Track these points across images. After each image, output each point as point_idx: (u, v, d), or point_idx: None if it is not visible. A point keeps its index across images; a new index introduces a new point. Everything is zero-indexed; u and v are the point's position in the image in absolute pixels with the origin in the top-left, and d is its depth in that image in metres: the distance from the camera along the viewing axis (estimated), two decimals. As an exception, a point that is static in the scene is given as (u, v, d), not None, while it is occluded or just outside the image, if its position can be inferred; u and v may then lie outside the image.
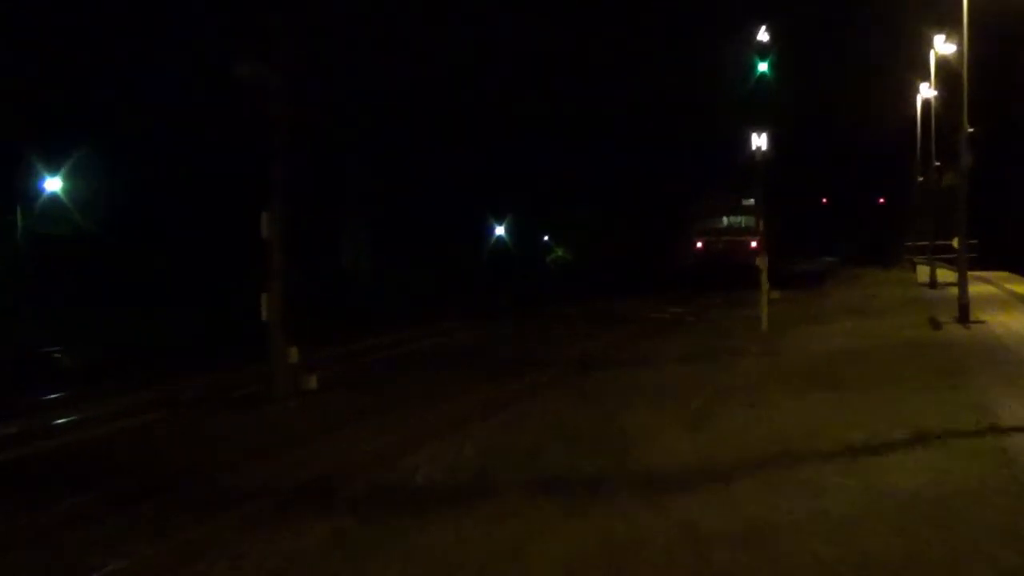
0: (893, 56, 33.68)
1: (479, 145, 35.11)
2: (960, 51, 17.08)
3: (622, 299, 25.52)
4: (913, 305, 20.05)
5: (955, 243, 18.79)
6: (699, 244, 39.12)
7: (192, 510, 6.27)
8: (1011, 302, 19.43)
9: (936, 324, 15.64)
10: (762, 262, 16.16)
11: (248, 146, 11.50)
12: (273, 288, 10.54)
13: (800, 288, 26.80)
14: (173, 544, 5.67)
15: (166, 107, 23.94)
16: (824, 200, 64.39)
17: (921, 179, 33.02)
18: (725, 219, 39.45)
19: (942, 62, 25.67)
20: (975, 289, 18.71)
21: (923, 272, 27.86)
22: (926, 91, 29.90)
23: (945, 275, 25.16)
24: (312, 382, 10.84)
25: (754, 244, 30.83)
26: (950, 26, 21.51)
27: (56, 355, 14.45)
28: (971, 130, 16.51)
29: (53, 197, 24.49)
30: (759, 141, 19.30)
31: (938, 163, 29.39)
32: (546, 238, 46.52)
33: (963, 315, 15.87)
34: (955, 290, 17.55)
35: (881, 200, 59.72)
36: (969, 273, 17.34)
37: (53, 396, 11.09)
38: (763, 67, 19.74)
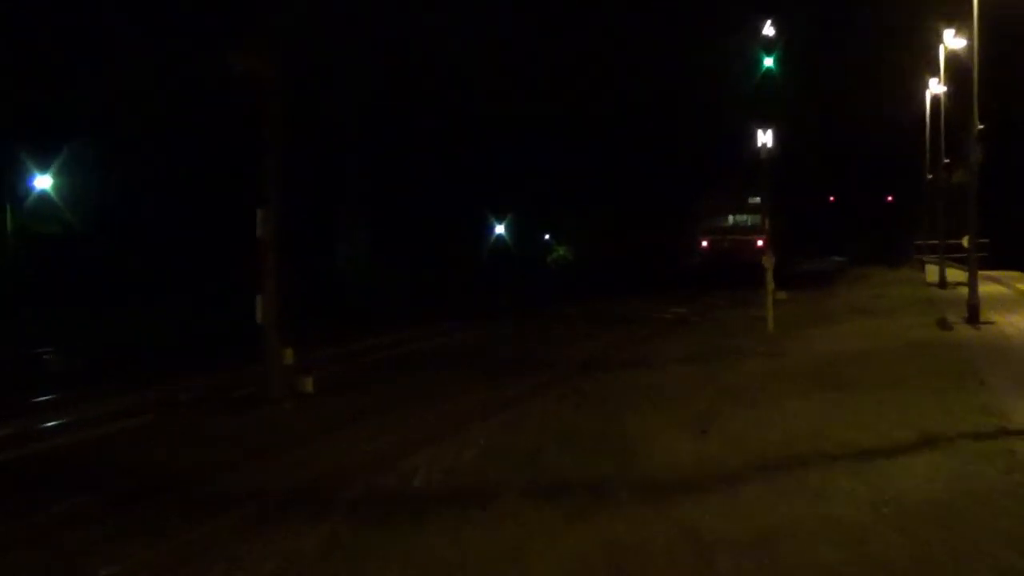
0: (902, 51, 33.69)
1: (479, 143, 35.12)
2: (970, 45, 17.08)
3: (625, 299, 25.52)
4: (922, 305, 20.04)
5: (965, 242, 18.82)
6: (704, 243, 39.17)
7: (187, 513, 6.27)
8: (1022, 302, 19.43)
9: (945, 325, 15.64)
10: (768, 261, 16.16)
11: (243, 142, 11.49)
12: (268, 288, 10.52)
13: (807, 288, 26.80)
14: (168, 547, 5.67)
15: (158, 103, 23.94)
16: (831, 198, 64.42)
17: (930, 177, 33.02)
18: (731, 217, 39.51)
19: (952, 57, 25.68)
20: (985, 289, 18.70)
21: (932, 272, 27.86)
22: (935, 87, 29.93)
23: (954, 275, 25.16)
24: (308, 384, 10.84)
25: (760, 243, 30.83)
26: (960, 20, 21.53)
27: (46, 356, 14.44)
28: (981, 126, 16.51)
29: (43, 195, 24.49)
30: (765, 138, 19.27)
31: (947, 160, 29.40)
32: (547, 237, 46.52)
33: (973, 315, 15.87)
34: (965, 290, 17.55)
35: (889, 198, 59.73)
36: (979, 273, 17.34)
37: (43, 398, 11.08)
38: (769, 62, 19.67)
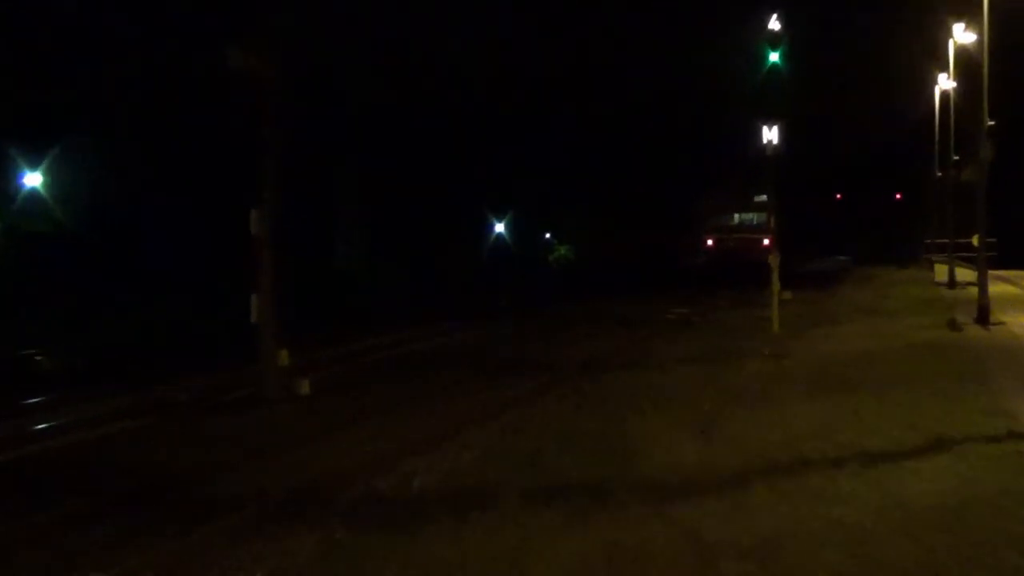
0: (910, 46, 33.69)
1: (478, 140, 35.14)
2: (980, 40, 17.09)
3: (626, 298, 25.54)
4: (930, 305, 20.06)
5: (974, 241, 18.81)
6: (709, 242, 39.21)
7: (179, 518, 6.27)
8: (1033, 303, 19.45)
9: (955, 325, 15.65)
10: (773, 260, 16.17)
11: (240, 140, 11.51)
12: (263, 287, 10.53)
13: (813, 288, 26.81)
14: (160, 554, 5.68)
15: (153, 100, 23.93)
16: (838, 196, 64.41)
17: (939, 174, 33.02)
18: (736, 216, 39.53)
19: (961, 52, 25.68)
20: (995, 289, 18.72)
21: (941, 271, 27.87)
22: (944, 82, 29.93)
23: (964, 274, 25.17)
24: (305, 386, 10.86)
25: (766, 242, 30.89)
26: (970, 14, 21.53)
27: (37, 357, 14.44)
28: (991, 123, 16.52)
29: (33, 193, 24.48)
30: (770, 134, 19.28)
31: (957, 157, 29.39)
32: (548, 236, 46.51)
33: (983, 316, 15.89)
34: (974, 290, 17.57)
35: (897, 196, 59.72)
36: (989, 272, 17.35)
37: (32, 400, 11.09)
38: (774, 57, 19.67)
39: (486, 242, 40.79)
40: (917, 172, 41.97)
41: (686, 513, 5.89)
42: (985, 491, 6.18)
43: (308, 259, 25.58)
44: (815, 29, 36.16)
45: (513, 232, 41.32)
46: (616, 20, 38.04)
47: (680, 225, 44.38)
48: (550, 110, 37.42)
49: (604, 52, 37.92)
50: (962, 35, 24.58)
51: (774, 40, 20.20)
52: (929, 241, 36.09)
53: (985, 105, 16.38)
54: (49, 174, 24.40)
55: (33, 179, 24.58)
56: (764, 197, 34.01)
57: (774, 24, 20.19)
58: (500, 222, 41.19)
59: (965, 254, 25.63)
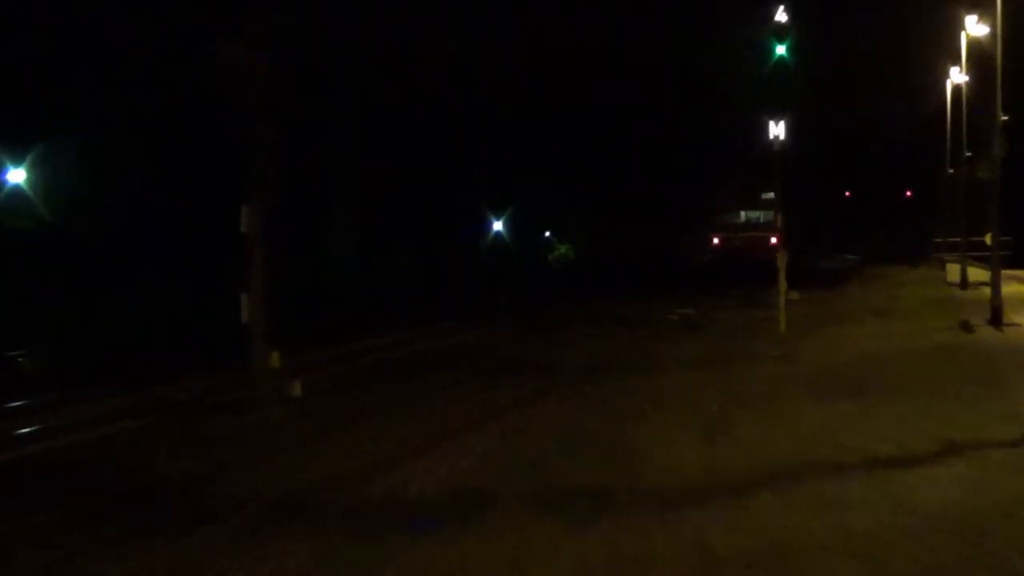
0: (922, 39, 33.70)
1: (477, 137, 35.14)
2: (993, 33, 17.09)
3: (629, 298, 25.56)
4: (942, 306, 20.07)
5: (987, 240, 18.81)
6: (715, 240, 39.27)
7: (168, 526, 6.26)
8: (1047, 303, 19.46)
9: (967, 327, 15.66)
10: (781, 259, 16.17)
11: (229, 133, 11.49)
12: (254, 287, 10.51)
13: (821, 287, 26.84)
14: (147, 563, 5.67)
15: (138, 92, 23.90)
16: (847, 193, 64.45)
17: (951, 171, 33.03)
18: (743, 214, 39.61)
19: (974, 45, 25.68)
20: (1009, 289, 18.74)
21: (953, 271, 27.87)
22: (956, 76, 29.93)
23: (976, 274, 25.18)
24: (296, 388, 10.85)
25: (773, 240, 30.91)
26: (982, 6, 21.55)
27: (19, 359, 14.41)
28: (1005, 118, 16.53)
29: (16, 189, 24.44)
30: (777, 130, 19.30)
31: (969, 154, 29.38)
32: (548, 234, 46.52)
33: (996, 317, 15.89)
34: (987, 290, 17.57)
35: (908, 193, 59.73)
36: (1003, 272, 17.36)
37: (13, 404, 11.05)
38: (781, 50, 19.68)
39: (485, 240, 40.78)
40: (928, 169, 41.97)
41: (691, 519, 5.89)
42: (998, 498, 6.17)
43: (303, 258, 25.56)
44: (822, 23, 36.21)
45: (512, 231, 41.31)
46: (617, 17, 38.11)
47: (684, 223, 44.44)
48: (550, 107, 37.43)
49: (605, 49, 37.95)
50: (975, 28, 24.59)
51: (781, 32, 20.20)
52: (940, 240, 36.11)
53: (999, 100, 16.39)
54: (33, 170, 24.36)
55: (16, 175, 24.54)
56: (771, 195, 34.08)
57: (780, 16, 20.20)
58: (499, 220, 41.18)
59: (978, 253, 25.63)
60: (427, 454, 8.00)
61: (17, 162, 24.26)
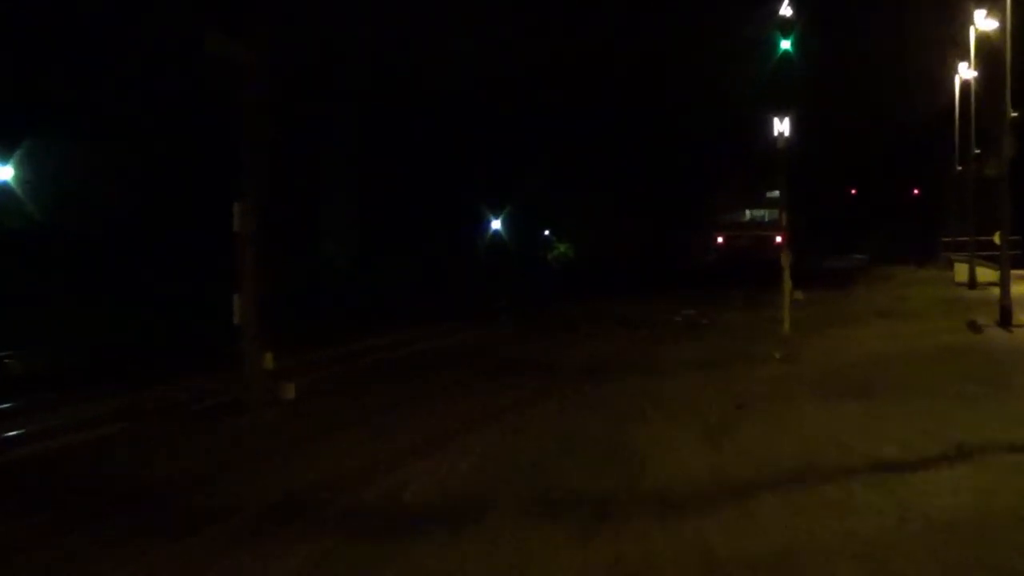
0: (929, 33, 33.72)
1: (475, 134, 35.15)
2: (1002, 27, 17.12)
3: (631, 299, 25.57)
4: (950, 307, 20.10)
5: (996, 239, 18.86)
6: (720, 239, 39.31)
7: (156, 532, 6.26)
8: (1058, 304, 19.47)
9: (976, 328, 15.68)
10: (785, 259, 16.19)
11: (222, 130, 11.49)
12: (246, 287, 10.51)
13: (826, 288, 26.86)
14: (147, 564, 5.67)
15: (131, 87, 23.89)
16: (853, 191, 64.48)
17: (959, 169, 33.06)
18: (747, 212, 39.65)
19: (983, 39, 25.71)
20: (1018, 289, 18.76)
21: (961, 271, 27.92)
22: (965, 71, 29.96)
23: (985, 274, 25.23)
24: (290, 391, 10.84)
25: (779, 239, 30.99)
26: None
27: (7, 360, 14.40)
28: (1015, 114, 16.56)
29: (4, 187, 24.43)
30: (781, 126, 19.32)
31: (978, 151, 29.43)
32: (546, 233, 46.53)
33: (1005, 318, 15.92)
34: (996, 291, 17.61)
35: (915, 191, 59.77)
36: (1012, 272, 17.38)
37: (1, 406, 11.04)
38: (786, 44, 19.69)
39: (483, 239, 40.80)
40: (936, 166, 42.02)
41: (694, 525, 5.90)
42: (1008, 503, 6.18)
43: (301, 257, 25.58)
44: (826, 18, 36.18)
45: (511, 229, 41.34)
46: (617, 16, 38.13)
47: (686, 222, 44.47)
48: (550, 106, 37.45)
49: (605, 48, 37.98)
50: (983, 22, 24.61)
51: (785, 27, 20.21)
52: (948, 239, 36.16)
53: (1008, 95, 16.42)
54: (21, 168, 24.34)
55: (4, 172, 24.54)
56: (776, 193, 34.12)
57: (785, 10, 20.21)
58: (497, 218, 41.20)
59: (986, 253, 25.66)
60: (425, 455, 8.01)
61: (3, 159, 24.25)
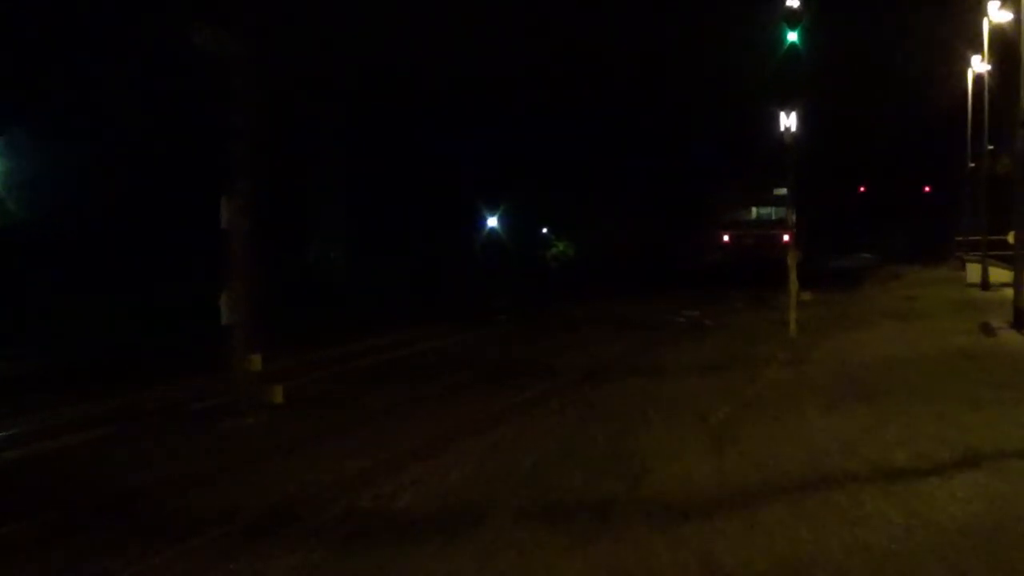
0: (942, 27, 33.74)
1: (470, 127, 35.13)
2: (1017, 19, 17.13)
3: (632, 299, 25.58)
4: (962, 308, 20.13)
5: (1010, 238, 18.84)
6: (725, 238, 39.30)
7: (139, 541, 6.23)
8: (1073, 305, 19.48)
9: (988, 330, 15.70)
10: (792, 258, 16.20)
11: (209, 124, 11.46)
12: (234, 287, 10.49)
13: (834, 288, 26.89)
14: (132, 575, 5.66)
15: (113, 80, 23.83)
16: (862, 189, 64.57)
17: (972, 166, 33.10)
18: (754, 210, 39.64)
19: (997, 32, 25.74)
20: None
21: (973, 271, 27.95)
22: (978, 65, 29.99)
23: (998, 274, 25.23)
24: (278, 394, 10.81)
25: (786, 238, 31.00)
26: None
27: None
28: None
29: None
30: (788, 121, 19.33)
31: (991, 147, 29.46)
32: (545, 231, 46.50)
33: (1019, 320, 15.93)
34: (1010, 292, 17.61)
35: (927, 189, 59.87)
36: (1026, 272, 17.37)
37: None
38: (793, 36, 19.68)
39: (479, 237, 40.77)
40: (948, 163, 42.08)
41: (697, 534, 5.90)
42: (1021, 510, 6.19)
43: (286, 256, 25.55)
44: (835, 9, 36.20)
45: (507, 227, 41.30)
46: (618, 11, 38.14)
47: (690, 220, 44.47)
48: (549, 101, 37.43)
49: (606, 41, 37.96)
50: (997, 14, 24.63)
51: (793, 18, 20.21)
52: (961, 238, 36.21)
53: (1022, 91, 16.41)
54: (1, 161, 24.29)
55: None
56: (784, 190, 34.13)
57: (793, 1, 20.20)
58: (493, 216, 41.15)
59: (1000, 252, 25.69)
60: (418, 462, 7.99)
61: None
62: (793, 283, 16.02)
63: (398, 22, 29.56)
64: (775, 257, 25.17)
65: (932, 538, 5.73)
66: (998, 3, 24.33)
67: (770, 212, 39.13)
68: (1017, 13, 17.29)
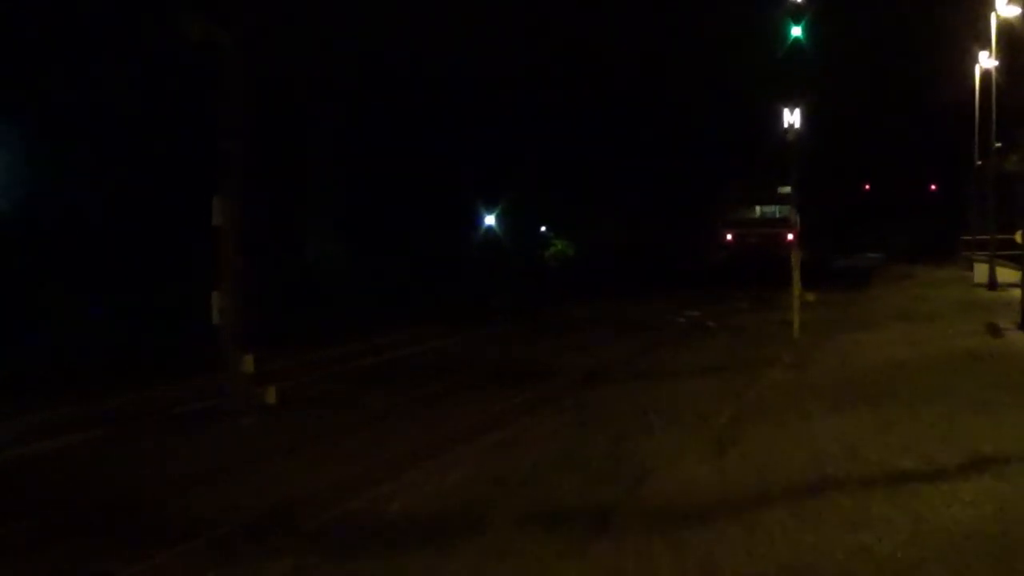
0: (948, 21, 33.76)
1: (467, 124, 35.11)
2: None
3: (632, 299, 25.58)
4: (969, 309, 20.12)
5: (1018, 237, 18.89)
6: (729, 236, 39.33)
7: (126, 547, 6.22)
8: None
9: (996, 331, 15.70)
10: (795, 257, 16.19)
11: (199, 119, 11.45)
12: (224, 285, 10.48)
13: (839, 288, 26.90)
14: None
15: (105, 75, 23.77)
16: (867, 187, 64.61)
17: (979, 163, 33.11)
18: (758, 208, 39.67)
19: (1004, 27, 25.75)
20: (1041, 291, 18.75)
21: (980, 271, 27.95)
22: (985, 61, 30.00)
23: (1006, 274, 25.23)
24: (271, 395, 10.79)
25: (791, 237, 31.08)
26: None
27: None
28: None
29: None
30: (792, 117, 19.37)
31: (999, 144, 29.46)
32: (543, 229, 46.49)
33: (1027, 321, 15.93)
34: (1017, 292, 17.61)
35: (933, 187, 59.91)
36: (1034, 272, 17.40)
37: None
38: (797, 31, 19.74)
39: (476, 236, 40.74)
40: (954, 161, 42.10)
41: (698, 540, 5.89)
42: (1030, 516, 6.19)
43: (277, 254, 25.49)
44: (838, 5, 36.25)
45: (505, 225, 41.27)
46: (618, 8, 38.16)
47: (694, 218, 44.52)
48: (548, 97, 37.44)
49: (606, 40, 37.97)
50: (1005, 8, 24.63)
51: (797, 13, 20.24)
52: (968, 237, 36.21)
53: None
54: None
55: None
56: (788, 188, 34.19)
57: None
58: (490, 214, 41.11)
59: (1008, 252, 25.69)
60: (413, 467, 7.98)
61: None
62: (797, 282, 16.00)
63: (398, 20, 29.56)
64: (779, 255, 25.21)
65: (937, 543, 5.72)
66: (1006, -3, 24.35)
67: (774, 210, 39.15)
68: (1025, 8, 17.30)
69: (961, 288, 26.69)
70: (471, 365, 14.57)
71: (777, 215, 38.56)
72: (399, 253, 32.59)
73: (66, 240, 23.42)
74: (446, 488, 7.38)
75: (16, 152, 23.36)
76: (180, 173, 22.15)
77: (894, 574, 5.30)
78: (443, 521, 6.52)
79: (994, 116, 29.08)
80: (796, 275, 15.96)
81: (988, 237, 28.02)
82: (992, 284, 25.57)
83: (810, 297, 18.62)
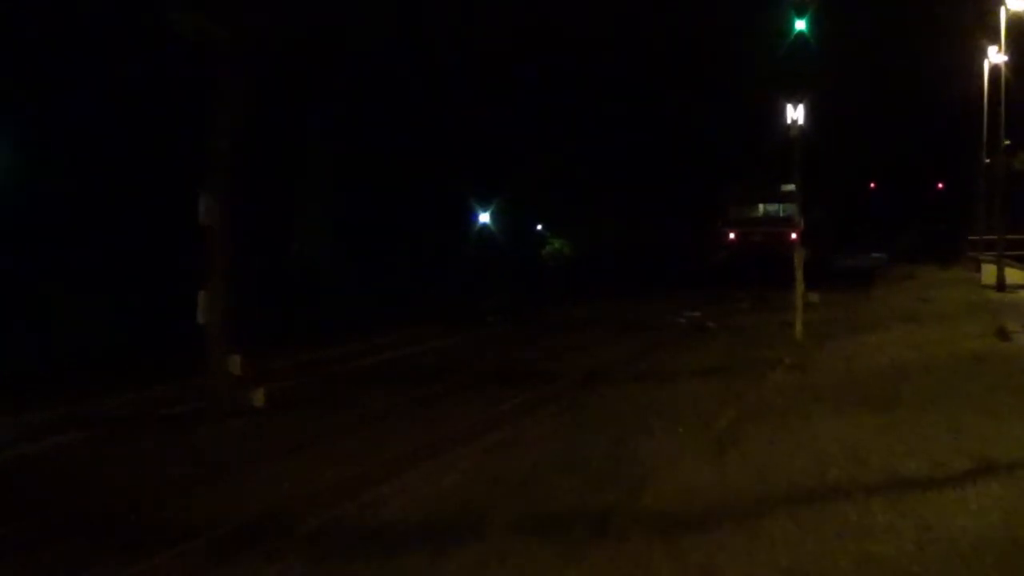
0: (956, 15, 33.80)
1: (461, 120, 35.08)
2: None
3: (632, 300, 25.61)
4: (976, 311, 20.15)
5: (1026, 238, 18.89)
6: (731, 235, 39.37)
7: (111, 553, 6.21)
8: (1092, 308, 19.57)
9: (1004, 334, 15.71)
10: (798, 257, 16.21)
11: (188, 113, 11.44)
12: (212, 284, 10.47)
13: (842, 289, 26.93)
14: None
15: (82, 64, 23.69)
16: (872, 185, 64.74)
17: (987, 161, 33.17)
18: (761, 207, 39.72)
19: (1014, 21, 25.80)
20: (1050, 292, 18.84)
21: (988, 271, 28.01)
22: (994, 56, 30.04)
23: (1015, 275, 25.31)
24: (259, 397, 10.79)
25: (795, 236, 31.06)
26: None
27: None
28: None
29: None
30: (795, 114, 19.36)
31: (1008, 142, 29.51)
32: (540, 227, 46.49)
33: (1035, 323, 15.96)
34: (1026, 293, 17.65)
35: (940, 186, 60.03)
36: (1043, 273, 17.46)
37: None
38: (801, 25, 19.72)
39: (471, 235, 40.72)
40: (962, 158, 42.16)
41: (698, 547, 5.89)
42: (1039, 523, 6.20)
43: (266, 253, 25.44)
44: (842, 3, 36.29)
45: (501, 223, 41.25)
46: (618, 7, 38.16)
47: (696, 216, 44.56)
48: (547, 93, 37.42)
49: (605, 34, 37.97)
50: (1015, 2, 24.67)
51: (801, 6, 20.24)
52: (975, 237, 36.26)
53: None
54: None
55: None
56: (792, 187, 34.19)
57: (801, -11, 20.24)
58: (485, 212, 41.08)
59: (1016, 252, 25.78)
60: (405, 473, 7.98)
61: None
62: (799, 283, 16.02)
63: (394, 19, 29.55)
64: (783, 254, 25.21)
65: (944, 552, 5.72)
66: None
67: (778, 209, 39.19)
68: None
69: (968, 289, 26.73)
70: (470, 365, 14.59)
71: (780, 214, 38.61)
72: (393, 251, 32.58)
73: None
74: (444, 489, 7.39)
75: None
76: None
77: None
78: (437, 526, 6.52)
79: (1003, 112, 29.14)
80: (799, 275, 15.98)
81: (996, 237, 28.09)
82: (1000, 285, 25.62)
83: (814, 298, 18.67)
